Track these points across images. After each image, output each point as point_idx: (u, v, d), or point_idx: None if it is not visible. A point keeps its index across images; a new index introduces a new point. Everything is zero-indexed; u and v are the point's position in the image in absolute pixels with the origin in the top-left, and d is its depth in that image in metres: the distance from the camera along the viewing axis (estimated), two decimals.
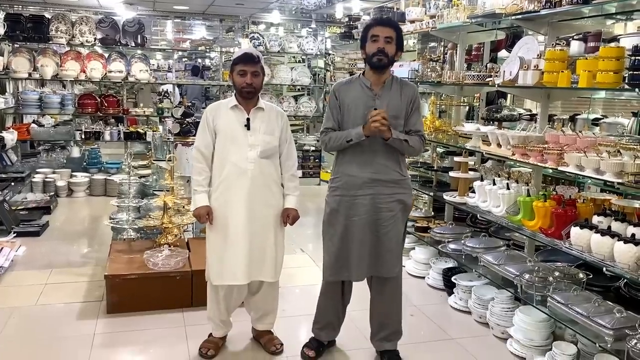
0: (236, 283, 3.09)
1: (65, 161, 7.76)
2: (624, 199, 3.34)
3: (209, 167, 3.07)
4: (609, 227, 2.87)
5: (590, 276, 3.24)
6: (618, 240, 2.72)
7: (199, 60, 11.22)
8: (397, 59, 3.02)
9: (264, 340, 3.32)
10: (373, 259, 3.01)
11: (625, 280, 3.18)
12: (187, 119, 4.87)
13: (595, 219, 2.98)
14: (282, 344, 3.29)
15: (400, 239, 3.09)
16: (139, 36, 7.83)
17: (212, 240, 3.12)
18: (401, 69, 5.20)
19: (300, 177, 8.19)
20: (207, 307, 3.26)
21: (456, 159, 4.52)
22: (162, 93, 8.11)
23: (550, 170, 3.34)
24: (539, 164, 3.30)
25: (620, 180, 2.75)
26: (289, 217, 3.14)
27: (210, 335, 3.31)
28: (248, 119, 3.04)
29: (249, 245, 3.04)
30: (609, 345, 2.68)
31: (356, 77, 3.08)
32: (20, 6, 8.02)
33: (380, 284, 3.13)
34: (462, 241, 4.07)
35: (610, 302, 2.92)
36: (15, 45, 7.46)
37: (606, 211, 3.04)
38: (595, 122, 4.46)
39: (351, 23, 7.60)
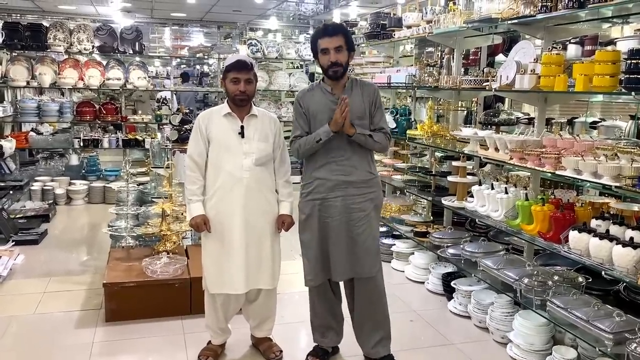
0: (235, 292, 3.08)
1: (63, 169, 7.77)
2: (622, 202, 3.34)
3: (202, 175, 3.06)
4: (608, 231, 2.86)
5: (590, 280, 3.24)
6: (616, 244, 2.72)
7: (197, 66, 11.25)
8: (351, 60, 3.07)
9: (263, 347, 3.31)
10: (351, 260, 3.01)
11: (625, 283, 3.17)
12: (185, 126, 4.87)
13: (594, 223, 2.98)
14: (281, 351, 3.27)
15: (376, 237, 3.11)
16: (137, 43, 7.84)
17: (208, 249, 3.11)
18: (398, 74, 5.22)
19: (298, 183, 8.25)
20: (204, 315, 3.25)
21: (454, 163, 4.52)
22: (161, 100, 8.12)
23: (549, 174, 3.34)
24: (536, 168, 3.30)
25: (617, 184, 2.75)
26: (284, 223, 3.14)
27: (209, 342, 3.30)
28: (242, 127, 3.03)
29: (246, 254, 3.03)
30: (609, 349, 2.67)
31: (317, 83, 3.12)
32: (18, 15, 8.06)
33: (363, 285, 3.10)
34: (461, 246, 4.05)
35: (609, 306, 2.92)
36: (14, 54, 7.47)
37: (604, 215, 3.04)
38: (594, 125, 4.47)
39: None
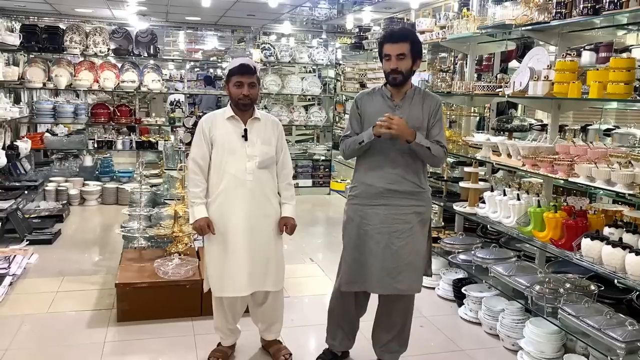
0: (239, 295, 3.08)
1: (77, 170, 7.85)
2: (636, 210, 3.32)
3: (205, 178, 3.07)
4: (621, 239, 2.85)
5: (602, 288, 3.22)
6: (629, 252, 2.70)
7: (211, 70, 11.33)
8: (415, 69, 2.98)
9: (273, 350, 3.32)
10: (390, 273, 2.91)
11: (637, 292, 3.15)
12: None
13: (607, 231, 2.96)
14: (290, 354, 3.28)
15: (421, 253, 2.99)
16: (151, 46, 7.92)
17: (211, 253, 3.10)
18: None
19: (309, 187, 8.30)
20: (213, 317, 3.27)
21: (466, 169, 4.51)
22: (174, 103, 8.20)
23: (562, 181, 3.32)
24: (549, 174, 3.29)
25: (631, 192, 2.73)
26: (287, 226, 3.14)
27: (219, 344, 3.31)
28: (245, 130, 3.04)
29: (250, 256, 3.03)
30: (620, 359, 2.65)
31: (378, 87, 3.07)
32: (35, 17, 8.16)
33: (394, 299, 3.06)
34: (473, 252, 4.05)
35: (622, 315, 2.90)
36: (31, 56, 7.58)
37: (617, 222, 3.02)
38: (607, 133, 4.44)
39: (361, 34, 7.65)
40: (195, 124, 5.00)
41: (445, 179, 5.02)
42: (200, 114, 5.46)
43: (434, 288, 4.53)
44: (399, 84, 2.93)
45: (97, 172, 7.89)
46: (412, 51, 2.88)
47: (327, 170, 8.63)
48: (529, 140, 3.81)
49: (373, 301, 3.21)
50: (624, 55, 3.45)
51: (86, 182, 7.54)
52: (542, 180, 3.82)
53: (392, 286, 2.94)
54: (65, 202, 6.96)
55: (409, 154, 2.90)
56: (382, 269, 2.92)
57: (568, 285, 3.24)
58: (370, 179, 2.96)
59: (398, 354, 3.18)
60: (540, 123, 4.87)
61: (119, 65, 8.03)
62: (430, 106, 2.97)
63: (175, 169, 4.76)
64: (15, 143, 6.64)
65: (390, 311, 3.11)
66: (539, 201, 3.54)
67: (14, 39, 6.75)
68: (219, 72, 11.96)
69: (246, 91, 2.99)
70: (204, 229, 3.01)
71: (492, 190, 4.03)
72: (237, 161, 3.01)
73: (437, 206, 5.24)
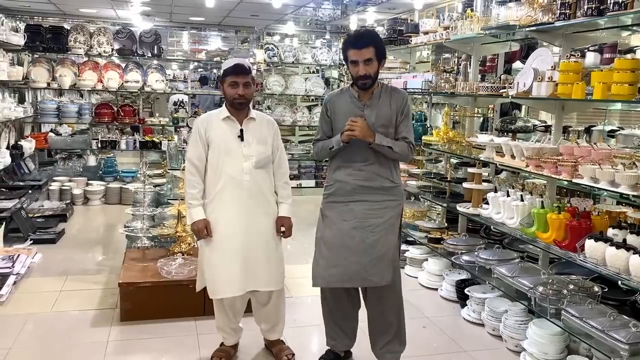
0: (233, 295, 3.07)
1: (81, 170, 7.87)
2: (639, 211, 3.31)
3: (202, 179, 3.07)
4: (624, 240, 2.84)
5: (606, 289, 3.20)
6: (633, 254, 2.69)
7: (214, 70, 11.34)
8: (382, 67, 3.03)
9: (275, 350, 3.32)
10: (364, 267, 2.95)
11: None
12: None
13: (610, 232, 2.95)
14: (293, 354, 3.28)
15: (393, 246, 3.04)
16: (155, 47, 7.95)
17: (206, 253, 3.09)
18: (415, 80, 5.22)
19: (312, 187, 8.29)
20: (215, 317, 3.27)
21: (470, 170, 4.50)
22: (178, 103, 8.20)
23: (565, 182, 3.31)
24: (553, 175, 3.28)
25: (635, 193, 2.73)
26: (284, 226, 3.15)
27: (222, 344, 3.32)
28: (241, 130, 3.05)
29: (244, 256, 3.03)
30: None
31: (346, 88, 3.12)
32: (40, 17, 8.18)
33: (377, 294, 3.08)
34: (476, 253, 4.03)
35: (625, 316, 2.89)
36: (35, 56, 7.61)
37: (621, 224, 3.01)
38: (612, 134, 4.43)
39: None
40: None
41: (448, 179, 5.01)
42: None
43: (436, 289, 4.53)
44: (368, 88, 2.98)
45: (100, 172, 7.91)
46: (377, 54, 2.93)
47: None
48: (532, 141, 3.80)
49: None
50: (629, 56, 3.45)
51: (90, 181, 7.56)
52: (545, 181, 3.81)
53: (367, 279, 2.97)
54: (68, 201, 6.98)
55: (380, 151, 2.95)
56: (355, 263, 2.95)
57: (571, 286, 3.23)
58: (344, 176, 3.01)
59: (399, 354, 3.17)
60: (544, 124, 4.87)
61: (123, 65, 8.05)
62: (397, 102, 3.01)
63: (179, 169, 4.76)
64: (19, 143, 6.67)
65: (382, 311, 3.11)
66: (542, 202, 3.53)
67: (19, 39, 6.78)
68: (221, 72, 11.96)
69: (241, 91, 3.00)
70: (201, 231, 3.01)
71: (495, 191, 4.02)
72: (234, 161, 3.01)
73: (440, 207, 5.24)
